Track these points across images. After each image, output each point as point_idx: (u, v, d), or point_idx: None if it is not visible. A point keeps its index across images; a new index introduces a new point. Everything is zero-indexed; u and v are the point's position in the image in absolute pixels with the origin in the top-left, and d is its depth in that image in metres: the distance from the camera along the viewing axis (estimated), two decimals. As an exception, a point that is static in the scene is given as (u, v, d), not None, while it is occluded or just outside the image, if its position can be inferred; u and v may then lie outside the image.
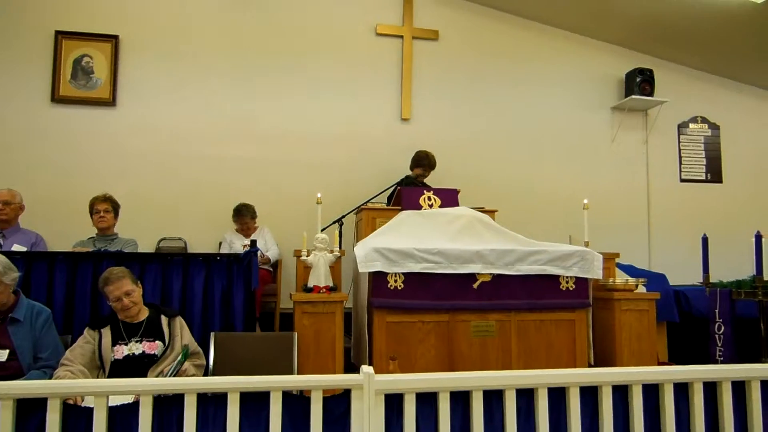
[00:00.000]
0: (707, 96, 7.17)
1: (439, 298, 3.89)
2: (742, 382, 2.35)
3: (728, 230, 6.33)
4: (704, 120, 7.18)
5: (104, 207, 4.52)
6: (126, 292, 3.14)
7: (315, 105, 6.20)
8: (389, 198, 5.40)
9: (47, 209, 5.46)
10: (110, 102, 5.79)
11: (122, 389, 2.05)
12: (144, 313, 3.25)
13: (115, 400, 2.11)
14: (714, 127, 7.19)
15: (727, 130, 7.20)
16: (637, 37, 6.74)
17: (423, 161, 5.53)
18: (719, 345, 4.44)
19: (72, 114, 5.74)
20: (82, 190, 5.03)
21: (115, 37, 5.83)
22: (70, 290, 3.66)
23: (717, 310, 4.47)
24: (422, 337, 3.88)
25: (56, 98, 5.69)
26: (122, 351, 3.09)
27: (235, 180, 5.93)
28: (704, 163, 7.15)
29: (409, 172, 5.60)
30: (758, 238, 4.08)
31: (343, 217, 5.01)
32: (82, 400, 2.51)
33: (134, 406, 2.00)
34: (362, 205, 4.91)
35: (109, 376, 3.01)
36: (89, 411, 1.98)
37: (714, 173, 7.15)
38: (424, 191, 4.61)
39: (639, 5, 6.05)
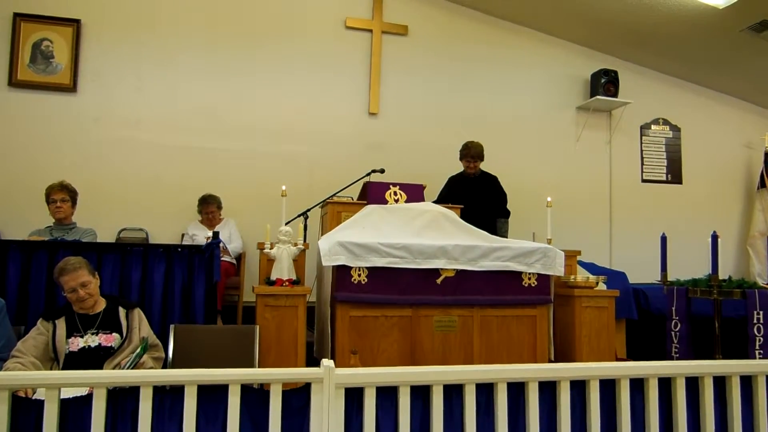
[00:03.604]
0: (670, 98, 7.32)
1: (403, 293, 3.89)
2: (695, 378, 2.41)
3: (686, 230, 6.46)
4: (666, 122, 7.33)
5: (61, 196, 4.39)
6: (82, 283, 3.06)
7: (281, 97, 6.13)
8: None
9: (3, 197, 5.32)
10: (71, 88, 5.64)
11: (74, 381, 1.99)
12: (101, 305, 3.18)
13: (69, 393, 2.06)
14: (675, 129, 7.34)
15: (688, 133, 7.36)
16: (602, 39, 6.84)
17: (463, 152, 5.49)
18: (675, 342, 4.54)
19: (30, 99, 5.57)
20: (40, 178, 4.87)
21: (77, 22, 5.67)
22: (24, 280, 3.56)
23: (674, 308, 4.56)
24: (385, 332, 3.87)
25: (14, 82, 5.51)
26: (78, 343, 3.01)
27: (199, 171, 5.83)
28: (665, 164, 7.30)
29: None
30: (714, 238, 4.18)
31: (309, 210, 4.97)
32: (33, 393, 2.45)
33: (87, 399, 1.94)
34: (328, 198, 4.88)
35: (64, 369, 2.93)
36: (40, 404, 1.92)
37: (674, 174, 7.31)
38: (391, 186, 4.61)
39: (605, 7, 6.13)
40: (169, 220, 5.64)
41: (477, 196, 5.27)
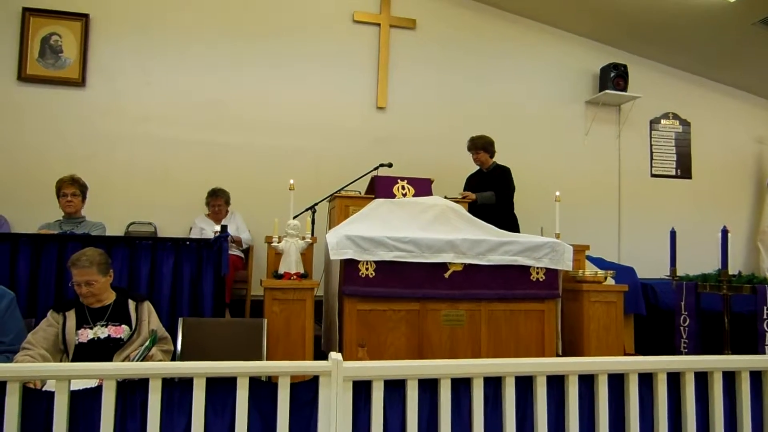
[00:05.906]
0: (679, 93, 7.27)
1: (411, 287, 3.89)
2: (704, 372, 2.39)
3: (696, 225, 6.43)
4: (675, 116, 7.28)
5: (72, 190, 4.42)
6: (87, 281, 3.03)
7: (289, 91, 6.14)
8: None
9: (13, 190, 5.35)
10: (79, 82, 5.66)
11: (84, 373, 2.01)
12: (111, 297, 3.19)
13: (78, 385, 2.07)
14: (685, 123, 7.29)
15: (698, 127, 7.31)
16: (612, 33, 6.79)
17: (467, 146, 5.50)
18: (684, 337, 4.52)
19: (39, 93, 5.59)
20: (49, 172, 4.91)
21: (86, 16, 5.68)
22: (33, 273, 3.59)
23: (683, 303, 4.55)
24: (393, 326, 3.87)
25: (23, 77, 5.53)
26: (87, 335, 3.03)
27: (207, 165, 5.85)
28: (674, 158, 7.25)
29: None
30: (724, 233, 4.15)
31: (317, 204, 4.97)
32: (42, 384, 2.46)
33: (97, 391, 1.95)
34: (336, 192, 4.88)
35: (73, 360, 2.95)
36: (50, 395, 1.93)
37: (684, 169, 7.26)
38: (398, 180, 4.60)
39: (615, 1, 6.09)
40: (178, 214, 5.66)
41: (487, 190, 5.25)
